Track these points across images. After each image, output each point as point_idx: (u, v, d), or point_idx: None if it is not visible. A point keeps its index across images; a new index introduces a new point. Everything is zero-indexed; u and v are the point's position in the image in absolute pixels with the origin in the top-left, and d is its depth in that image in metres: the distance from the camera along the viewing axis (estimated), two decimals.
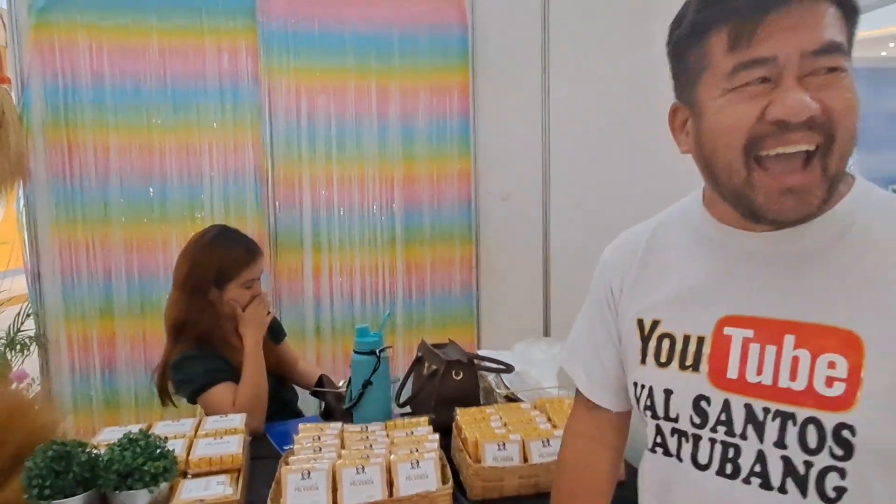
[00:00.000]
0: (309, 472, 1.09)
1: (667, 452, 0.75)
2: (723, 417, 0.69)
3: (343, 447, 1.24)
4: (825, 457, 0.62)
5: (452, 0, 2.43)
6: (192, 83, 2.24)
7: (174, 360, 1.60)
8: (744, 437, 0.67)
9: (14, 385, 1.91)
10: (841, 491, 0.62)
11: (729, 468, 0.68)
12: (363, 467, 1.10)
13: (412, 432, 1.30)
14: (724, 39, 0.62)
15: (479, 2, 2.44)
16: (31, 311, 2.16)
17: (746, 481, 0.67)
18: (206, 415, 1.49)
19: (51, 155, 2.15)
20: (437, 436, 1.26)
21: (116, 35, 2.17)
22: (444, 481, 1.13)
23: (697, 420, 0.71)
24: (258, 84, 2.28)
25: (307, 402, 1.94)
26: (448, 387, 1.46)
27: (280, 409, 1.71)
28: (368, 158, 2.42)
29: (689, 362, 0.72)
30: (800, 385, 0.64)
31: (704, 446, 0.70)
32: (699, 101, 0.66)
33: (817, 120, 0.59)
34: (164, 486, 1.04)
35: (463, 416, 1.33)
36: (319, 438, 1.26)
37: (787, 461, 0.64)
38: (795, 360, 0.64)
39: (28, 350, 2.13)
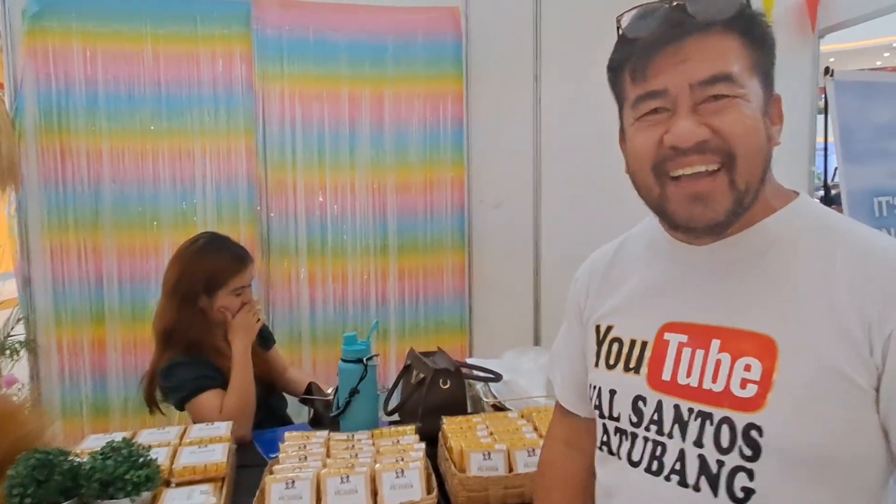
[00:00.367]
0: (293, 482, 1.09)
1: (610, 451, 0.79)
2: (655, 417, 0.73)
3: (328, 456, 1.23)
4: (735, 456, 0.65)
5: (447, 9, 2.44)
6: (186, 89, 2.25)
7: (162, 367, 1.59)
8: (670, 435, 0.71)
9: (3, 390, 1.92)
10: (749, 492, 0.64)
11: (655, 465, 0.72)
12: (348, 476, 1.10)
13: (398, 441, 1.29)
14: (629, 75, 0.69)
15: (473, 11, 2.46)
16: (21, 316, 2.16)
17: (668, 478, 0.71)
18: (194, 422, 1.49)
19: (43, 160, 2.15)
20: (423, 445, 1.26)
21: (111, 41, 2.18)
22: (429, 491, 1.12)
23: (635, 419, 0.75)
24: (252, 91, 2.29)
25: (298, 410, 1.94)
26: (435, 395, 1.46)
27: (269, 416, 1.71)
28: (362, 165, 2.43)
29: (632, 365, 0.77)
30: (719, 386, 0.67)
31: (639, 444, 0.75)
32: (624, 128, 0.74)
33: (710, 143, 0.65)
34: (146, 495, 1.04)
35: (449, 424, 1.32)
36: (305, 447, 1.26)
37: (702, 460, 0.68)
38: (718, 363, 0.68)
39: (18, 355, 2.13)
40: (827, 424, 0.62)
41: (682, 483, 0.69)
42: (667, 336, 0.74)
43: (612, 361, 0.80)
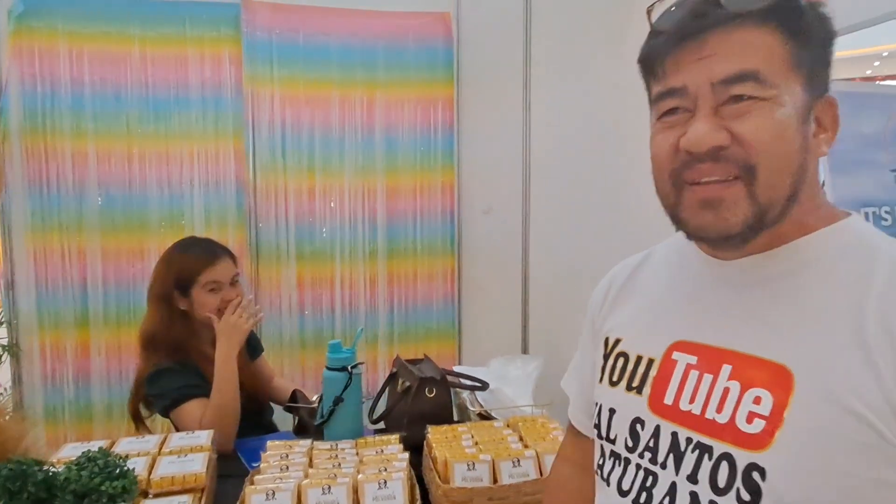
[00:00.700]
0: (273, 493, 1.07)
1: (601, 476, 0.73)
2: (651, 444, 0.67)
3: (311, 466, 1.22)
4: (731, 499, 0.57)
5: (438, 15, 2.43)
6: (173, 92, 2.22)
7: (149, 373, 1.57)
8: (664, 466, 0.65)
9: None
10: None
11: (643, 497, 0.66)
12: (329, 487, 1.08)
13: (382, 451, 1.28)
14: (651, 70, 0.64)
15: (464, 17, 2.45)
16: (4, 320, 2.13)
17: None
18: (177, 431, 1.47)
19: (28, 162, 2.12)
20: (406, 454, 1.25)
21: (97, 42, 2.15)
22: (412, 502, 1.11)
23: (630, 443, 0.69)
24: (241, 94, 2.27)
25: (285, 417, 1.91)
26: (421, 404, 1.44)
27: (254, 424, 1.68)
28: (351, 170, 2.41)
29: (635, 383, 0.71)
30: (723, 417, 0.60)
31: (630, 472, 0.69)
32: (651, 128, 0.67)
33: (727, 151, 0.58)
34: None
35: (434, 433, 1.31)
36: (287, 457, 1.24)
37: (694, 498, 0.61)
38: (726, 391, 0.61)
39: (0, 359, 2.10)
40: (841, 478, 0.53)
41: None
42: (675, 355, 0.67)
43: (615, 378, 0.74)
